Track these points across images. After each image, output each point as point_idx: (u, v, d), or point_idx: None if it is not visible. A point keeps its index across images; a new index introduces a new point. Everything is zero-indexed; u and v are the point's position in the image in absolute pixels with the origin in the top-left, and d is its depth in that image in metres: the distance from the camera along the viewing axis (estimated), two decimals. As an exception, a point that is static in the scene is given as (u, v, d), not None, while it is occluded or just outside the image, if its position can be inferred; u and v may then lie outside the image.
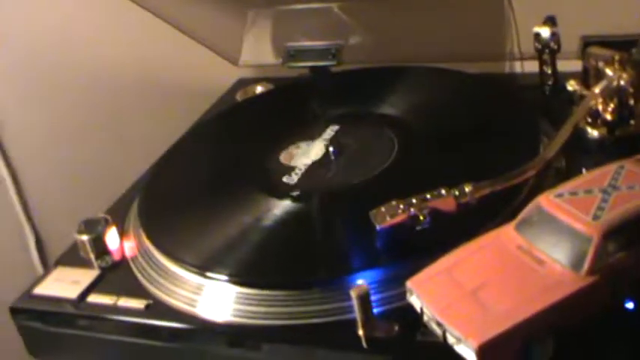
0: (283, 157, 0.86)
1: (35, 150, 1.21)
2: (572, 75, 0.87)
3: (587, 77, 0.84)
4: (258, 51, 1.12)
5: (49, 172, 1.22)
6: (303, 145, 0.88)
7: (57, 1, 1.17)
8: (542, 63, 0.91)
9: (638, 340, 0.58)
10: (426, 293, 0.60)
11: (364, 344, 0.64)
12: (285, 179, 0.82)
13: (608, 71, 0.80)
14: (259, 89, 1.09)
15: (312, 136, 0.89)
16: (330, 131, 0.89)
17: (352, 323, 0.65)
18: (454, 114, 0.87)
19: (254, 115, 1.00)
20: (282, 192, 0.80)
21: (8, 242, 1.24)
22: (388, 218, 0.68)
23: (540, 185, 0.72)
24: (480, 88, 0.92)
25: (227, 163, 0.89)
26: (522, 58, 0.97)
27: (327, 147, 0.85)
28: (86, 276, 0.80)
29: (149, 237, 0.79)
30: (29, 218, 1.23)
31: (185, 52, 1.16)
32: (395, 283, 0.66)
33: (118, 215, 0.86)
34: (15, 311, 0.79)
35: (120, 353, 0.76)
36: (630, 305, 0.59)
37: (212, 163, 0.90)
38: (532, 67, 0.94)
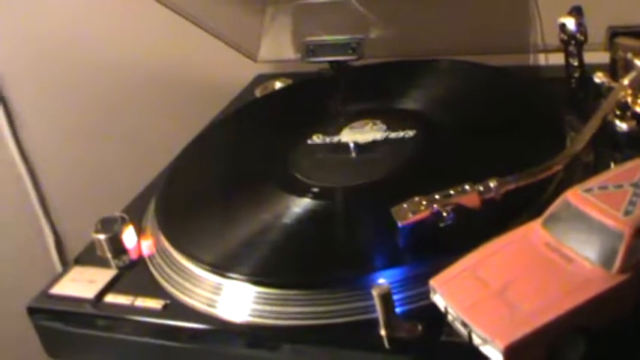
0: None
1: (53, 148, 1.20)
2: (599, 67, 0.84)
3: (615, 69, 0.82)
4: (277, 46, 1.10)
5: (68, 170, 1.21)
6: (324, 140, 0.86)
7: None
8: (568, 55, 0.88)
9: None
10: (450, 292, 0.58)
11: (386, 344, 0.62)
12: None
13: (638, 62, 0.78)
14: (278, 85, 1.07)
15: (333, 132, 0.87)
16: (351, 127, 0.87)
17: (374, 323, 0.63)
18: (478, 108, 0.85)
19: (273, 111, 0.98)
20: (302, 189, 0.78)
21: (27, 241, 1.23)
22: (410, 215, 0.66)
23: (568, 180, 0.70)
24: (504, 82, 0.89)
25: (246, 160, 0.87)
26: (547, 50, 0.94)
27: (348, 143, 0.83)
28: (103, 275, 0.79)
29: (167, 236, 0.78)
30: (48, 217, 1.22)
31: (203, 48, 1.15)
32: (418, 281, 0.64)
33: (135, 214, 0.84)
34: (32, 311, 0.78)
35: (137, 354, 0.75)
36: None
37: (231, 160, 0.89)
38: (557, 59, 0.92)
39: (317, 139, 0.86)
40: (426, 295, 0.63)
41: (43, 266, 1.24)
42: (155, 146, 1.09)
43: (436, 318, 0.61)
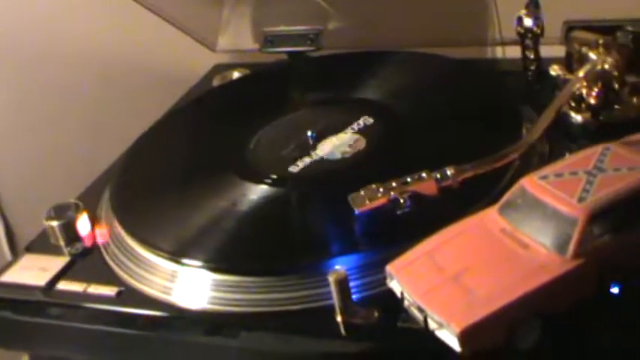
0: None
1: (4, 135, 1.18)
2: (555, 60, 0.85)
3: (571, 62, 0.83)
4: (235, 36, 1.09)
5: (19, 158, 1.19)
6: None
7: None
8: (524, 48, 0.89)
9: (624, 325, 0.57)
10: (407, 278, 0.58)
11: (342, 331, 0.62)
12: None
13: (592, 55, 0.79)
14: (236, 75, 1.06)
15: (290, 121, 0.87)
16: (306, 115, 0.87)
17: (331, 310, 0.63)
18: (436, 99, 0.86)
19: (230, 101, 0.97)
20: (258, 177, 0.78)
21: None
22: (367, 202, 0.66)
23: (524, 169, 0.71)
24: (461, 73, 0.90)
25: (201, 148, 0.87)
26: (504, 43, 0.95)
27: (305, 131, 0.83)
28: (55, 263, 0.77)
29: (121, 222, 0.77)
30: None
31: (160, 38, 1.14)
32: (374, 268, 0.65)
33: (89, 202, 0.83)
34: (-19, 299, 0.77)
35: (91, 342, 0.74)
36: (616, 290, 0.58)
37: (187, 148, 0.88)
38: (514, 52, 0.93)
39: (274, 128, 0.86)
40: (382, 282, 0.63)
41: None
42: (110, 135, 1.07)
43: (393, 304, 0.61)
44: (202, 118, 0.94)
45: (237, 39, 1.10)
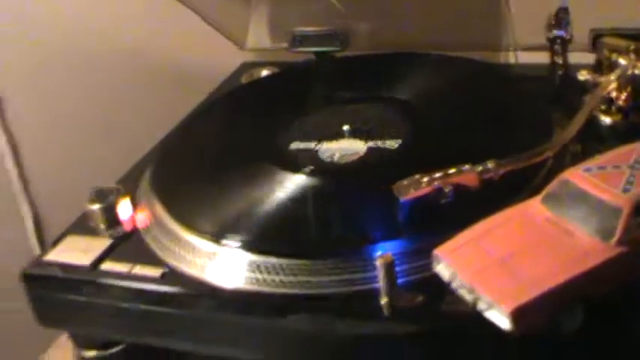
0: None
1: (37, 128, 1.20)
2: (581, 66, 0.88)
3: (600, 68, 0.86)
4: (263, 35, 1.12)
5: (51, 152, 1.21)
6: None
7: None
8: (553, 53, 0.92)
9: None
10: (456, 260, 0.60)
11: (386, 312, 0.64)
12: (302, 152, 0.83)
13: (623, 61, 0.82)
14: (264, 73, 1.09)
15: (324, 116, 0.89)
16: (342, 112, 0.89)
17: (372, 294, 0.65)
18: (468, 100, 0.88)
19: (262, 96, 1.00)
20: (296, 166, 0.80)
21: (4, 222, 1.22)
22: (412, 191, 0.69)
23: (558, 167, 0.73)
24: (491, 76, 0.92)
25: (238, 138, 0.89)
26: (532, 49, 0.97)
27: (341, 126, 0.85)
28: (98, 244, 0.79)
29: (164, 206, 0.79)
30: (29, 198, 1.22)
31: (188, 35, 1.16)
32: (416, 255, 0.67)
33: (127, 187, 0.85)
34: (27, 278, 0.78)
35: (131, 321, 0.76)
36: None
37: (223, 137, 0.90)
38: (539, 58, 0.96)
39: (310, 121, 0.89)
40: (424, 268, 0.65)
41: (19, 246, 1.23)
42: (137, 131, 1.10)
43: (435, 289, 0.64)
44: (237, 110, 0.96)
45: (264, 38, 1.12)
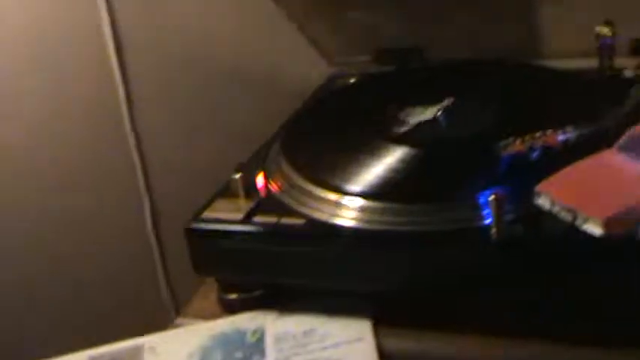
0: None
1: (161, 129, 1.38)
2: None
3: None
4: (350, 49, 1.31)
5: (171, 150, 1.39)
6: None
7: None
8: (601, 57, 1.12)
9: None
10: (555, 190, 0.79)
11: (495, 239, 0.82)
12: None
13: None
14: (352, 82, 1.28)
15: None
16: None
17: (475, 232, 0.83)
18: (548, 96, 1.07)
19: (358, 96, 1.19)
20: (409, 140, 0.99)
21: (125, 202, 1.40)
22: (509, 149, 0.88)
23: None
24: (556, 75, 1.13)
25: (354, 117, 1.08)
26: (587, 55, 1.16)
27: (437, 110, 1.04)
28: (244, 204, 0.97)
29: (296, 169, 0.98)
30: (148, 187, 1.39)
31: (275, 47, 1.35)
32: (515, 199, 0.85)
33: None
34: (189, 232, 0.96)
35: (278, 263, 0.93)
36: None
37: (342, 117, 1.10)
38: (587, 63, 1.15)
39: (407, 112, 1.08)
40: (520, 209, 0.84)
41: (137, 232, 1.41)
42: (233, 136, 1.28)
43: (531, 223, 0.82)
44: (350, 101, 1.16)
45: (350, 51, 1.32)
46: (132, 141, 1.37)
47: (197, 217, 0.97)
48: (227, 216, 0.96)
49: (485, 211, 0.84)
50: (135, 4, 1.34)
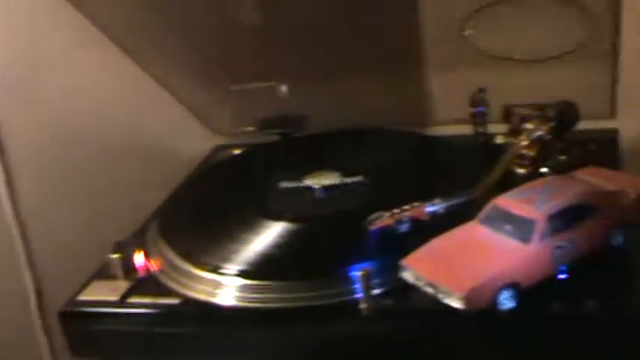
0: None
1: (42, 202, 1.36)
2: (497, 134, 1.12)
3: (513, 132, 1.09)
4: (232, 120, 1.33)
5: (53, 225, 1.37)
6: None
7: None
8: (475, 124, 1.15)
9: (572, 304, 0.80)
10: (419, 266, 0.81)
11: (365, 313, 0.84)
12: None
13: (528, 125, 1.05)
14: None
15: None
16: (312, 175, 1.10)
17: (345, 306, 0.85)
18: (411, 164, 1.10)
19: (240, 169, 1.20)
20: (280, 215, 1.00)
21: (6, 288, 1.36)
22: (378, 223, 0.90)
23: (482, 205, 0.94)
24: (429, 143, 1.16)
25: (235, 195, 1.10)
26: (460, 121, 1.19)
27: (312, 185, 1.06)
28: (120, 286, 0.96)
29: (174, 249, 0.98)
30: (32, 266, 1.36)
31: (161, 119, 1.35)
32: (383, 272, 0.87)
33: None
34: (64, 315, 0.95)
35: (156, 343, 0.93)
36: (563, 275, 0.82)
37: (216, 197, 1.11)
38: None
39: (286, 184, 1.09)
40: (388, 282, 0.86)
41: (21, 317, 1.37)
42: (122, 209, 1.27)
43: (398, 295, 0.84)
44: (226, 178, 1.18)
45: (234, 122, 1.33)
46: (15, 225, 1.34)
47: (71, 301, 0.96)
48: (103, 298, 0.95)
49: (356, 286, 0.85)
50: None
